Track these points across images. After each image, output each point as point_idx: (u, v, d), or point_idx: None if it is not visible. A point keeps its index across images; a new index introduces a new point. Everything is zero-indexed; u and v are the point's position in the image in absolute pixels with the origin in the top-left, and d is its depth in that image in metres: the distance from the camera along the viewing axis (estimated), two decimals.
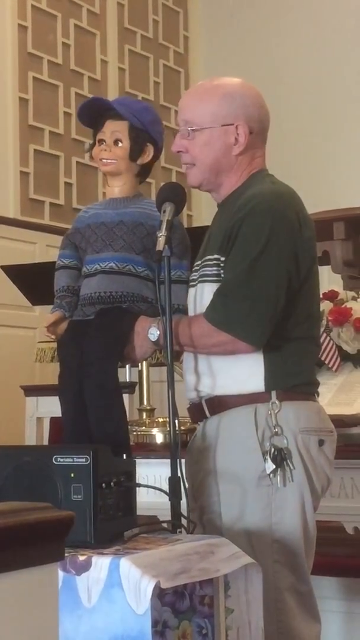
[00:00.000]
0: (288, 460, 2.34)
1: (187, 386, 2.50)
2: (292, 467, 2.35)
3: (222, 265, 2.39)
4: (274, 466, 2.33)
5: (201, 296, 2.44)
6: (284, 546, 2.36)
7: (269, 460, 2.33)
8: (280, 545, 2.35)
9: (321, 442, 2.41)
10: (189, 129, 2.45)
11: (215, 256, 2.41)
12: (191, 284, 2.51)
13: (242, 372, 2.39)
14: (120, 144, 2.55)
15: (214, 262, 2.41)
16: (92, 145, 2.62)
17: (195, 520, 2.39)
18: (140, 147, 2.56)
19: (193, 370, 2.46)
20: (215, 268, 2.41)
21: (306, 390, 2.44)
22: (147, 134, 2.57)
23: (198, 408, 2.48)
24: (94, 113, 2.59)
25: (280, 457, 2.34)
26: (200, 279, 2.46)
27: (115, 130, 2.55)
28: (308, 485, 2.38)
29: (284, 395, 2.37)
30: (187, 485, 2.36)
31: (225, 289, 2.36)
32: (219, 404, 2.42)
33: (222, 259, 2.39)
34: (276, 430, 2.35)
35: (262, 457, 2.35)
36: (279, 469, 2.34)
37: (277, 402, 2.36)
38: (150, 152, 2.58)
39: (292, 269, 2.37)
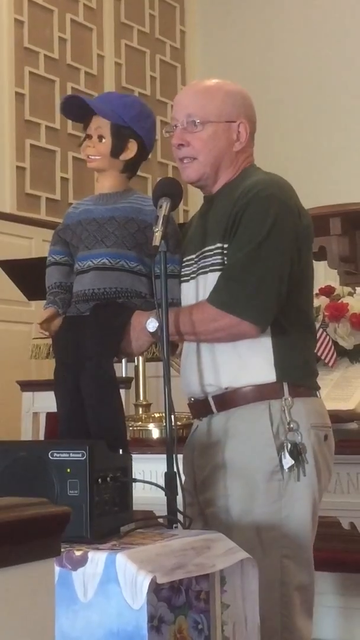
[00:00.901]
0: (303, 455, 2.36)
1: (189, 382, 2.49)
2: (306, 462, 2.37)
3: (225, 252, 2.40)
4: (292, 461, 2.34)
5: (204, 286, 2.44)
6: (293, 541, 2.37)
7: (288, 456, 2.35)
8: (289, 540, 2.36)
9: (325, 437, 2.45)
10: (196, 121, 2.45)
11: (218, 245, 2.42)
12: (185, 278, 2.51)
13: (251, 362, 2.40)
14: (103, 140, 2.55)
15: (217, 250, 2.41)
16: (84, 140, 2.62)
17: (193, 515, 2.40)
18: (122, 143, 2.54)
19: (196, 367, 2.46)
20: (218, 257, 2.41)
21: (312, 384, 2.48)
22: (130, 129, 2.55)
23: (203, 404, 2.48)
24: (81, 108, 2.59)
25: (297, 452, 2.35)
26: (201, 271, 2.45)
27: (98, 126, 2.55)
28: (317, 479, 2.41)
29: (295, 391, 2.39)
30: (184, 480, 2.36)
31: (229, 272, 2.37)
32: (229, 400, 2.42)
33: (226, 246, 2.40)
34: (291, 425, 2.37)
35: (275, 452, 2.36)
36: (294, 464, 2.35)
37: (290, 398, 2.38)
38: (133, 148, 2.55)
39: (295, 254, 2.40)
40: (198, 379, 2.47)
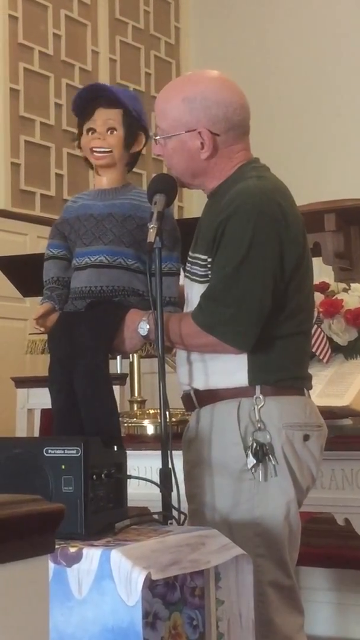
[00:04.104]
0: (270, 456, 2.34)
1: (179, 377, 2.50)
2: (274, 462, 2.35)
3: (209, 266, 2.39)
4: (255, 461, 2.33)
5: (191, 294, 2.45)
6: (266, 540, 2.35)
7: (251, 455, 2.34)
8: (262, 539, 2.35)
9: (306, 438, 2.40)
10: (160, 135, 2.45)
11: (204, 257, 2.40)
12: (186, 274, 2.51)
13: (227, 367, 2.39)
14: (114, 132, 2.53)
15: (203, 262, 2.40)
16: (79, 135, 2.59)
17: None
18: (134, 135, 2.55)
19: (185, 361, 2.47)
20: (203, 269, 2.40)
21: (293, 384, 2.43)
22: (140, 121, 2.56)
23: (188, 398, 2.49)
24: (84, 102, 2.57)
25: (262, 452, 2.34)
26: (190, 276, 2.46)
27: (108, 118, 2.53)
28: (291, 480, 2.38)
29: (269, 390, 2.37)
30: (183, 474, 2.37)
31: (211, 293, 2.36)
32: (206, 397, 2.43)
33: (210, 259, 2.39)
34: (259, 425, 2.35)
35: (244, 451, 2.35)
36: (260, 464, 2.34)
37: (260, 397, 2.36)
38: (142, 140, 2.57)
39: (277, 268, 2.34)
40: (182, 374, 2.48)
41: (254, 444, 2.34)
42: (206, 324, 2.35)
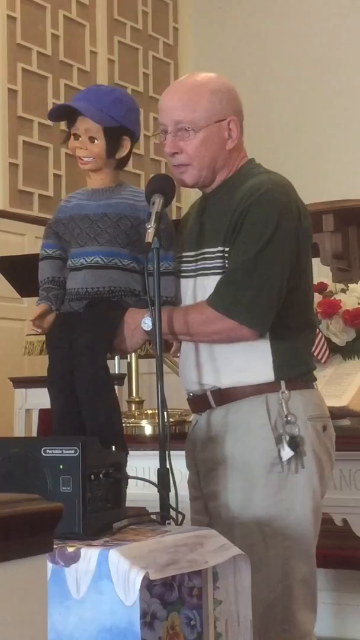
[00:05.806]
0: (301, 447, 2.38)
1: (187, 379, 2.50)
2: (304, 454, 2.38)
3: (226, 256, 2.40)
4: (292, 453, 2.36)
5: (204, 289, 2.44)
6: (295, 532, 2.38)
7: (287, 448, 2.36)
8: (290, 532, 2.38)
9: (324, 428, 2.46)
10: (187, 127, 2.42)
11: (219, 248, 2.41)
12: (184, 274, 2.50)
13: (250, 363, 2.41)
14: (95, 142, 2.49)
15: (218, 254, 2.41)
16: (68, 137, 2.57)
17: (199, 509, 2.42)
18: (117, 142, 2.50)
19: (194, 363, 2.47)
20: (219, 260, 2.41)
21: (310, 377, 2.49)
22: (122, 127, 2.50)
23: (201, 399, 2.49)
24: (66, 107, 2.54)
25: (295, 444, 2.37)
26: (200, 272, 2.45)
27: (88, 127, 2.48)
28: (317, 471, 2.42)
29: (293, 384, 2.41)
30: (188, 474, 2.38)
31: (230, 277, 2.37)
32: (227, 395, 2.44)
33: (227, 249, 2.39)
34: (289, 418, 2.38)
35: (274, 444, 2.38)
36: (293, 456, 2.37)
37: (287, 391, 2.40)
38: (127, 145, 2.51)
39: (294, 259, 2.40)
40: (196, 377, 2.47)
41: (287, 437, 2.37)
42: (225, 308, 2.35)
